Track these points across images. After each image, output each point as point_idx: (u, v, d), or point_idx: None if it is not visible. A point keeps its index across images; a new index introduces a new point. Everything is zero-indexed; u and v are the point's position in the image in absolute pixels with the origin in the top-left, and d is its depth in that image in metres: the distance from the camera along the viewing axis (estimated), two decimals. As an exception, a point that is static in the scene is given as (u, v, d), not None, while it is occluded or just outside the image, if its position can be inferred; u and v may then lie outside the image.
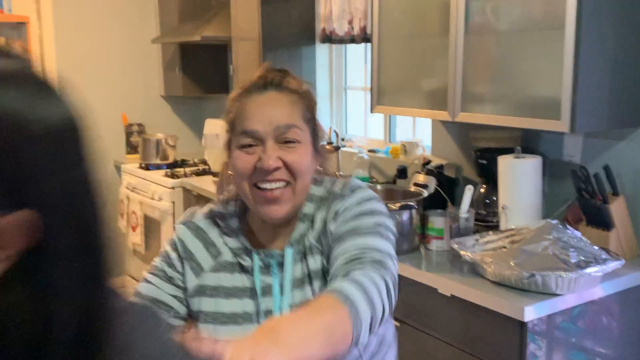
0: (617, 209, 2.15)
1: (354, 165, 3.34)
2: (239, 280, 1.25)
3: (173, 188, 3.88)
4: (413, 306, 2.23)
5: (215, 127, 4.38)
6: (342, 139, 3.68)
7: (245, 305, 1.24)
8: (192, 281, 1.27)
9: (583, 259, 1.90)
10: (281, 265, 1.24)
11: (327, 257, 1.22)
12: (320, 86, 3.82)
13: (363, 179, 3.24)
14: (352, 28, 3.42)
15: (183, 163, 4.38)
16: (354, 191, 1.26)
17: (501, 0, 2.22)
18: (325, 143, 1.22)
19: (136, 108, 4.87)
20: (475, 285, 1.99)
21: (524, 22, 2.16)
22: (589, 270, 1.86)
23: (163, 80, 4.88)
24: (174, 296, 1.27)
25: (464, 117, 2.37)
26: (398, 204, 2.32)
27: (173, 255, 1.29)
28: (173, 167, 4.25)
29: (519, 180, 2.28)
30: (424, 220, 2.39)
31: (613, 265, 1.91)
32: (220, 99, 4.84)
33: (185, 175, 4.02)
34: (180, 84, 4.59)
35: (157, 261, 1.31)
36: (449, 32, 2.38)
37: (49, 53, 4.49)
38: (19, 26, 4.22)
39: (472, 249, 2.08)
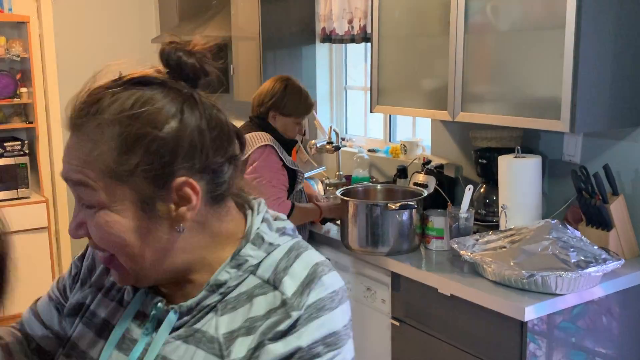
0: (616, 208, 2.15)
1: (354, 165, 3.34)
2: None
3: (173, 188, 3.87)
4: (413, 306, 2.24)
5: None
6: (342, 139, 3.68)
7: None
8: None
9: (583, 258, 1.90)
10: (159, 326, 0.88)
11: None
12: (320, 86, 3.82)
13: (363, 179, 3.24)
14: (352, 27, 3.42)
15: (183, 163, 4.36)
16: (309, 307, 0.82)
17: (501, 0, 2.22)
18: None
19: (136, 108, 4.87)
20: (475, 285, 1.99)
21: (524, 22, 2.16)
22: (589, 270, 1.87)
23: (163, 80, 4.87)
24: None
25: (464, 117, 2.37)
26: (398, 204, 2.32)
27: None
28: (173, 166, 4.24)
29: (519, 180, 2.28)
30: (424, 220, 2.39)
31: (613, 265, 1.91)
32: (220, 99, 4.83)
33: (185, 175, 4.01)
34: (180, 83, 4.58)
35: None
36: (449, 32, 2.38)
37: (49, 53, 4.49)
38: (19, 26, 4.22)
39: (472, 248, 2.08)
